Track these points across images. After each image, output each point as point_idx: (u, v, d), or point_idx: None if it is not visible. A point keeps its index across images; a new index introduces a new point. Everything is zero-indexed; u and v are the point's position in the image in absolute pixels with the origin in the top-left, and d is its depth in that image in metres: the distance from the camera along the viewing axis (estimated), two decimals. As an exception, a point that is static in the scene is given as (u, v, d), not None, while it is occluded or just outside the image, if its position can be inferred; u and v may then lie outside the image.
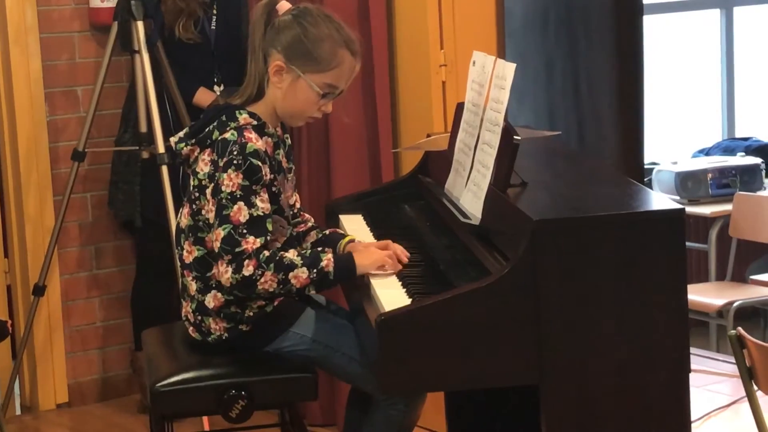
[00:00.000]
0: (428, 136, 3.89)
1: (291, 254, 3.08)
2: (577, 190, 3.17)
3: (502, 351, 2.74)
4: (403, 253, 3.15)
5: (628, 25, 4.44)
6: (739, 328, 3.18)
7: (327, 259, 3.07)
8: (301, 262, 3.06)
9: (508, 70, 3.06)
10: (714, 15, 6.45)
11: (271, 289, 3.05)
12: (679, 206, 2.81)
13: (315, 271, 3.06)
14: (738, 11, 6.48)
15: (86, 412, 5.07)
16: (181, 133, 3.22)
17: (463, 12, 4.26)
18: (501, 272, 2.74)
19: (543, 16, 4.66)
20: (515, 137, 2.98)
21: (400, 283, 3.05)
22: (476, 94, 3.29)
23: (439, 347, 2.73)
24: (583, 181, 3.31)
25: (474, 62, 3.36)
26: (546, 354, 2.74)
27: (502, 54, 4.34)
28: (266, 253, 3.04)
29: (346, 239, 3.32)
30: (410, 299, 2.91)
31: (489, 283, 2.73)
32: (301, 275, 3.05)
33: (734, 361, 3.16)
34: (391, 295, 2.94)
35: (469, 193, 3.18)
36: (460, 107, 3.43)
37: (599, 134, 4.51)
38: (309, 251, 3.14)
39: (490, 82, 3.18)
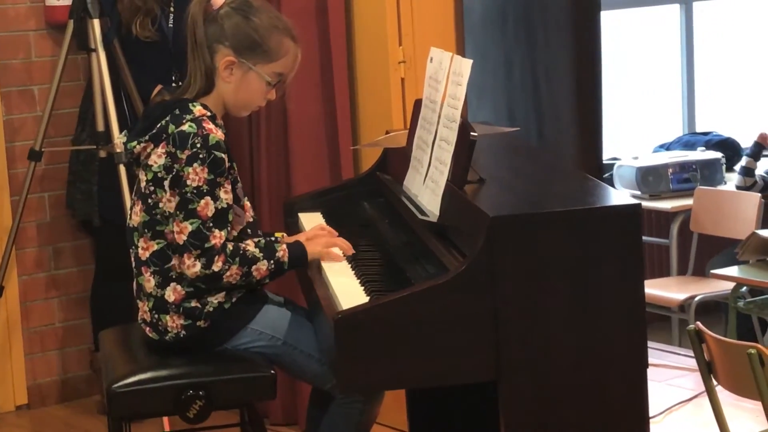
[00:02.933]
0: (387, 132, 3.88)
1: (251, 246, 3.12)
2: (534, 187, 3.16)
3: (460, 348, 2.73)
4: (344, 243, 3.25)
5: (585, 21, 4.45)
6: (698, 323, 3.19)
7: (282, 250, 3.15)
8: (261, 255, 3.12)
9: (464, 66, 3.06)
10: (674, 10, 6.47)
11: (234, 282, 3.11)
12: (636, 201, 2.80)
13: (272, 261, 3.13)
14: (697, 6, 6.51)
15: (46, 413, 5.03)
16: (125, 132, 3.21)
17: (421, 8, 4.25)
18: (458, 269, 2.73)
19: (502, 12, 4.66)
20: (472, 134, 2.98)
21: (359, 280, 3.04)
22: (433, 90, 3.29)
23: (396, 345, 2.72)
24: (541, 177, 3.31)
25: (431, 59, 3.36)
26: (503, 351, 2.73)
27: (461, 50, 4.33)
28: (230, 246, 3.08)
29: (279, 237, 3.38)
30: (368, 297, 2.90)
31: (446, 281, 2.72)
32: (261, 267, 3.12)
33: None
34: (348, 292, 2.93)
35: (427, 189, 3.17)
36: (418, 104, 3.42)
37: (558, 130, 4.52)
38: (263, 241, 3.16)
39: (447, 78, 3.17)
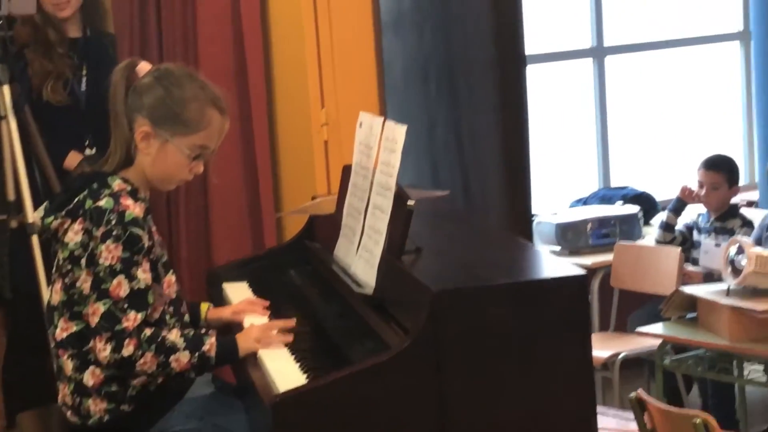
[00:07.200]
0: (313, 198, 3.79)
1: (174, 335, 2.97)
2: (473, 256, 3.09)
3: (405, 428, 2.63)
4: (285, 323, 3.09)
5: (511, 76, 4.41)
6: (640, 390, 3.13)
7: (209, 343, 2.98)
8: (184, 344, 2.96)
9: (398, 132, 2.98)
10: (587, 64, 6.47)
11: (150, 371, 2.95)
12: (582, 272, 2.74)
13: (197, 355, 2.97)
14: (609, 60, 6.52)
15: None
16: (43, 206, 3.07)
17: (343, 69, 4.18)
18: (401, 346, 2.64)
19: (423, 70, 4.61)
20: (409, 202, 2.89)
21: (293, 357, 2.93)
22: (364, 156, 3.20)
23: (338, 427, 2.61)
24: (478, 244, 3.24)
25: (361, 123, 3.28)
26: (449, 428, 2.63)
27: (383, 111, 4.26)
28: (147, 332, 2.93)
29: (205, 308, 3.29)
30: (305, 375, 2.79)
31: (389, 358, 2.62)
32: (182, 359, 2.96)
33: (620, 414, 3.12)
34: (284, 371, 2.83)
35: (361, 259, 3.07)
36: (347, 170, 3.34)
37: (485, 188, 4.46)
38: (192, 332, 3.01)
39: (379, 144, 3.09)
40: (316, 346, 3.00)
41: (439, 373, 2.62)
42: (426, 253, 2.99)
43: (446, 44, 4.56)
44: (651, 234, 5.98)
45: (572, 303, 2.69)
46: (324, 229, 3.53)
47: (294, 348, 2.97)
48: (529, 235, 4.52)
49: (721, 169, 5.50)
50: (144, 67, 3.06)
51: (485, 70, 4.41)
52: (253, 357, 3.00)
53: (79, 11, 4.49)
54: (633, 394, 3.11)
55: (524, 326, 2.66)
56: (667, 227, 5.69)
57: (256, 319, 3.20)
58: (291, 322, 3.07)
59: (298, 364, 2.87)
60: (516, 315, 2.66)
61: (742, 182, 5.70)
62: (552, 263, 2.90)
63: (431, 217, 3.54)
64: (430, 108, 4.58)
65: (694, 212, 5.79)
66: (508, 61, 4.36)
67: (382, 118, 3.15)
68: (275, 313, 3.26)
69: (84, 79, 4.49)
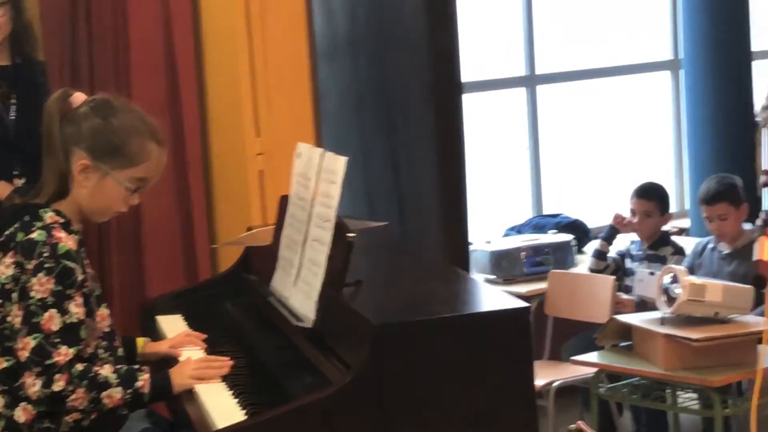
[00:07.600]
0: (249, 229, 3.74)
1: (106, 370, 2.90)
2: (414, 288, 3.06)
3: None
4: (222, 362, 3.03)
5: (447, 104, 4.40)
6: (580, 423, 3.10)
7: (143, 379, 2.91)
8: (117, 380, 2.88)
9: (338, 164, 2.94)
10: (519, 93, 6.49)
11: (81, 407, 2.88)
12: (524, 304, 2.72)
13: (130, 391, 2.90)
14: (541, 89, 6.55)
15: None
16: None
17: (278, 98, 4.15)
18: (343, 380, 2.59)
19: (358, 98, 4.59)
20: (349, 234, 2.86)
21: (231, 392, 2.87)
22: (302, 187, 3.16)
23: (279, 465, 2.56)
24: (418, 276, 3.21)
25: (299, 154, 3.24)
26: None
27: (319, 140, 4.23)
28: (79, 367, 2.86)
29: (141, 342, 3.23)
30: (244, 411, 2.74)
31: (331, 393, 2.58)
32: (115, 395, 2.88)
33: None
34: (222, 407, 2.77)
35: (300, 292, 3.03)
36: (284, 200, 3.30)
37: (421, 217, 4.43)
38: (124, 368, 2.94)
39: (318, 175, 3.05)
40: (255, 380, 2.94)
41: (382, 407, 2.59)
42: (366, 285, 2.95)
43: (381, 73, 4.54)
44: (584, 262, 5.99)
45: (514, 335, 2.67)
46: (260, 260, 3.48)
47: (232, 383, 2.92)
48: (466, 265, 4.49)
49: (653, 196, 5.53)
50: (78, 97, 2.99)
51: (421, 98, 4.39)
52: (189, 392, 2.94)
53: (8, 39, 4.42)
54: (573, 426, 3.08)
55: (467, 359, 2.63)
56: (600, 255, 5.71)
57: (193, 353, 3.14)
58: (228, 363, 3.01)
59: (236, 400, 2.81)
60: (459, 348, 2.63)
61: (672, 210, 5.74)
62: (493, 295, 2.88)
63: (370, 248, 3.50)
64: (365, 137, 4.55)
65: (626, 240, 5.82)
66: (444, 89, 4.35)
67: (321, 149, 3.11)
68: (212, 346, 3.20)
69: (13, 108, 4.42)
